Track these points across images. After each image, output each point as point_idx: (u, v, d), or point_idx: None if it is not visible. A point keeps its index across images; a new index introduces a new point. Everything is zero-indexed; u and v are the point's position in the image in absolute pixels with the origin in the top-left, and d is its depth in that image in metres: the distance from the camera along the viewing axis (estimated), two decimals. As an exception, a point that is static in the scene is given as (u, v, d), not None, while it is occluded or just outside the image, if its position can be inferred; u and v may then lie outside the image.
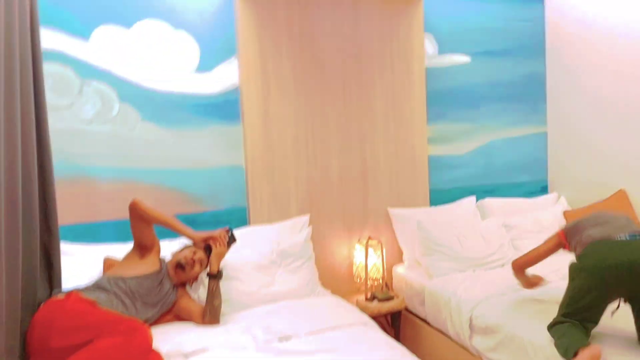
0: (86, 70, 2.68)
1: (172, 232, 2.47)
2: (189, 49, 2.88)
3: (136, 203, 2.32)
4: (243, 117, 3.00)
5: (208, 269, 2.40)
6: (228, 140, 3.00)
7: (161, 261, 2.39)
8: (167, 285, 2.33)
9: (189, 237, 2.43)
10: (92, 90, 2.69)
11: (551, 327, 2.07)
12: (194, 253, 2.42)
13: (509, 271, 2.57)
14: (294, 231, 2.95)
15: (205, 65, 2.92)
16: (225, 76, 2.97)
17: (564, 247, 2.31)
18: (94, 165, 2.72)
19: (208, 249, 2.40)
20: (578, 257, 2.11)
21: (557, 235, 2.33)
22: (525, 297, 2.54)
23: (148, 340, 1.85)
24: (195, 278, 2.49)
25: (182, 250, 2.48)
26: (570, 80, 3.73)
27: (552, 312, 2.11)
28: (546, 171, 3.97)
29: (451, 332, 2.71)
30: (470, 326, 2.55)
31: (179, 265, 2.37)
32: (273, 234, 2.88)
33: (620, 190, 3.40)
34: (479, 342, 2.49)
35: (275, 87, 3.05)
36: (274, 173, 3.07)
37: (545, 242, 2.40)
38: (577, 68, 3.66)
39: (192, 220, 2.84)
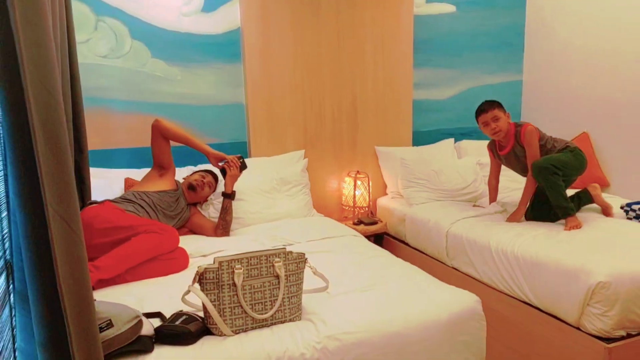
0: (101, 7, 2.88)
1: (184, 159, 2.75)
2: (196, -9, 3.09)
3: (159, 121, 2.60)
4: (244, 57, 3.25)
5: (217, 189, 2.72)
6: (230, 78, 3.25)
7: (177, 182, 2.70)
8: (183, 202, 2.65)
9: (206, 152, 2.70)
10: (106, 27, 2.90)
11: (547, 174, 2.61)
12: (203, 177, 2.74)
13: (481, 201, 3.02)
14: (291, 162, 3.27)
15: (210, 5, 3.14)
16: (228, 17, 3.20)
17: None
18: (109, 97, 2.97)
19: (223, 172, 2.71)
20: (568, 147, 2.76)
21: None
22: (492, 216, 2.93)
23: (177, 238, 2.19)
24: (205, 199, 2.81)
25: (192, 174, 2.79)
26: (546, 32, 4.04)
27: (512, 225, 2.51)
28: (520, 116, 4.33)
29: (429, 249, 3.11)
30: (447, 241, 2.93)
31: (190, 187, 2.69)
32: (273, 165, 3.20)
33: (583, 133, 3.78)
34: (452, 256, 2.89)
35: (274, 29, 3.29)
36: (272, 111, 3.36)
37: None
38: (554, 20, 3.96)
39: (198, 152, 3.15)
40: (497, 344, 2.53)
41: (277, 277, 1.68)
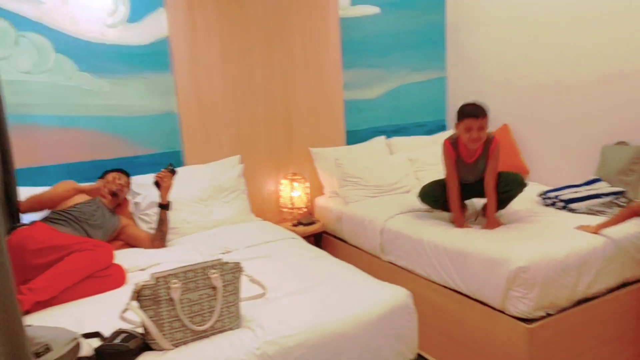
0: (21, 22, 2.77)
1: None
2: (119, 0, 3.03)
3: (22, 206, 2.45)
4: (173, 66, 3.23)
5: (159, 200, 2.71)
6: (160, 88, 3.22)
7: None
8: (105, 210, 2.63)
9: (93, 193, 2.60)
10: (28, 42, 2.80)
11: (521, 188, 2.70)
12: (119, 179, 2.80)
13: (412, 196, 3.12)
14: (227, 169, 3.28)
15: (135, 15, 3.09)
16: (154, 26, 3.15)
17: None
18: (36, 113, 2.86)
19: (157, 184, 2.69)
20: None
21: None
22: (423, 213, 3.08)
23: (111, 253, 2.18)
24: (124, 202, 2.87)
25: (104, 177, 2.82)
26: (465, 30, 4.26)
27: (442, 218, 2.66)
28: (445, 111, 4.55)
29: (365, 246, 3.23)
30: (381, 237, 3.06)
31: (113, 194, 2.72)
32: (208, 172, 3.20)
33: (503, 125, 4.03)
34: (387, 251, 3.02)
35: (203, 37, 3.29)
36: (205, 118, 3.36)
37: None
38: (471, 19, 4.19)
39: (132, 163, 3.12)
40: (431, 330, 2.68)
41: (214, 288, 1.71)
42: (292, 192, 3.58)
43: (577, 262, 2.26)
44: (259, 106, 3.56)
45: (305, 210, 3.65)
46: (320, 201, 3.82)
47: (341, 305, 1.85)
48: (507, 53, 3.92)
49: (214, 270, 1.73)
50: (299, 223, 3.53)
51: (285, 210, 3.66)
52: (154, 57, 3.17)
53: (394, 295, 1.94)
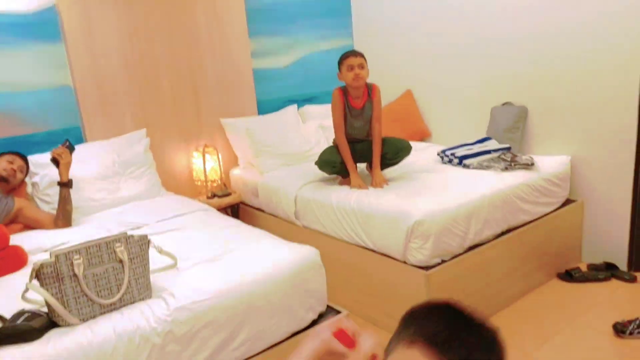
0: None
1: None
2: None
3: None
4: (64, 36, 3.05)
5: (59, 178, 2.59)
6: (52, 60, 3.03)
7: None
8: None
9: None
10: None
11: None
12: (12, 162, 2.62)
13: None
14: (132, 143, 3.19)
15: (17, -18, 2.87)
16: (40, -6, 2.95)
17: None
18: None
19: (55, 162, 2.58)
20: None
21: None
22: (332, 179, 3.20)
23: (4, 235, 2.08)
24: (21, 184, 2.70)
25: None
26: (368, -1, 4.37)
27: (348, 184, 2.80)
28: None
29: (281, 214, 3.31)
30: (296, 205, 3.15)
31: (1, 179, 2.55)
32: (112, 148, 3.10)
33: (407, 90, 4.22)
34: (302, 217, 3.13)
35: (96, 5, 3.11)
36: (104, 91, 3.22)
37: None
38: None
39: (26, 142, 2.94)
40: (342, 285, 2.84)
41: (121, 261, 1.71)
42: (205, 165, 3.56)
43: (467, 213, 2.48)
44: (163, 77, 3.47)
45: (219, 182, 3.65)
46: (235, 172, 3.83)
47: (252, 267, 1.92)
48: (409, 21, 4.07)
49: (119, 244, 1.72)
50: (214, 195, 3.53)
51: (199, 183, 3.64)
52: (41, 27, 2.97)
53: (302, 254, 2.04)
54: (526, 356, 2.33)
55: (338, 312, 2.08)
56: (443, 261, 2.44)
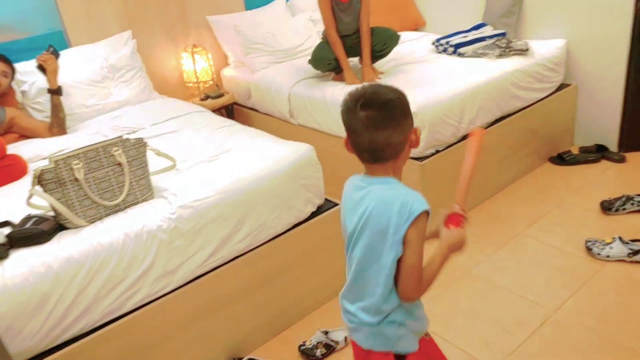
0: None
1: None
2: None
3: None
4: None
5: (48, 85, 2.55)
6: (23, -41, 2.85)
7: None
8: None
9: None
10: None
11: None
12: None
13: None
14: (118, 46, 3.08)
15: None
16: None
17: None
18: None
19: (41, 69, 2.52)
20: None
21: None
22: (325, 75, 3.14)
23: (1, 143, 2.09)
24: (9, 92, 2.63)
25: None
26: None
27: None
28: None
29: (275, 113, 3.30)
30: (289, 103, 3.12)
31: None
32: (99, 51, 3.00)
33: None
34: (296, 115, 3.12)
35: None
36: (83, -8, 3.06)
37: None
38: None
39: (7, 50, 2.83)
40: (341, 178, 2.89)
41: (120, 164, 1.74)
42: (195, 65, 3.47)
43: (461, 102, 2.48)
44: (143, -27, 3.27)
45: (212, 83, 3.58)
46: (227, 72, 3.75)
47: (251, 165, 1.95)
48: None
49: (116, 148, 1.74)
50: (207, 97, 3.49)
51: (191, 85, 3.58)
52: None
53: (298, 150, 2.07)
54: (517, 234, 2.46)
55: (336, 204, 2.15)
56: (437, 151, 2.48)
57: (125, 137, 1.80)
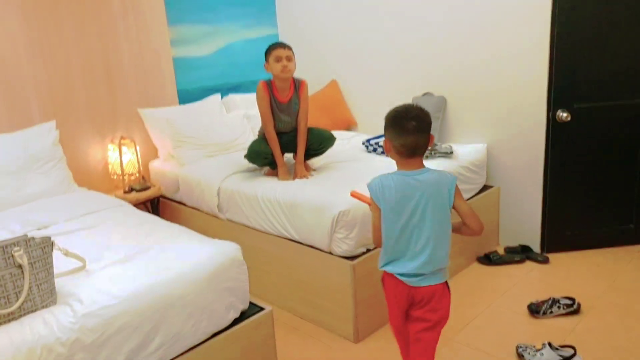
0: None
1: None
2: None
3: None
4: (-43, 18, 2.76)
5: None
6: (-58, 44, 2.74)
7: None
8: None
9: None
10: None
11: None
12: None
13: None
14: (40, 136, 2.93)
15: None
16: None
17: None
18: None
19: None
20: None
21: None
22: (257, 170, 3.13)
23: None
24: None
25: None
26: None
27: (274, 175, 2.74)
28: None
29: (204, 207, 3.20)
30: (219, 197, 3.05)
31: None
32: (17, 141, 2.84)
33: (332, 81, 4.21)
34: (225, 210, 3.03)
35: (-7, -15, 2.84)
36: (6, 79, 2.95)
37: None
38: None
39: None
40: (268, 278, 2.80)
41: (20, 266, 1.56)
42: (121, 157, 3.36)
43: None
44: (73, 65, 3.23)
45: (137, 175, 3.46)
46: (155, 165, 3.66)
47: (168, 267, 1.82)
48: (333, 13, 4.05)
49: (17, 248, 1.57)
50: (132, 190, 3.35)
51: (115, 177, 3.44)
52: None
53: (222, 250, 1.96)
54: (449, 340, 2.40)
55: (262, 308, 2.02)
56: (368, 250, 2.46)
57: (30, 235, 1.63)
